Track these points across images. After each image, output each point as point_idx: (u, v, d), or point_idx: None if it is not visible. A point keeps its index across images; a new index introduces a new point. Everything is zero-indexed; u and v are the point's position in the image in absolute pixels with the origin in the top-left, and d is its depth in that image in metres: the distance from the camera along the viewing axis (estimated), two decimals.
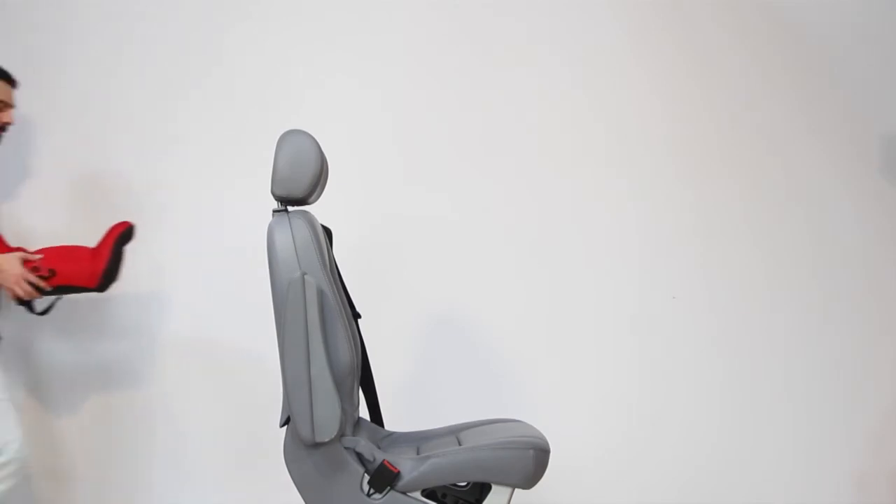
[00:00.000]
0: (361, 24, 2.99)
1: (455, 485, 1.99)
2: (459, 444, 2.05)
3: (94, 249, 2.45)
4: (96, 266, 2.40)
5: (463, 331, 2.98)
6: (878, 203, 3.07)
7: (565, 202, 3.02)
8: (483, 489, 1.98)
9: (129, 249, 2.51)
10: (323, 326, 1.87)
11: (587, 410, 2.99)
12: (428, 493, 1.96)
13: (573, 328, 2.99)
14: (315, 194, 2.02)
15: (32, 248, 2.45)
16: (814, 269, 3.06)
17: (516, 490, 1.98)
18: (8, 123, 2.50)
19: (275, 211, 1.98)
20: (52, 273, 2.34)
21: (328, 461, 1.93)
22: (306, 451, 1.93)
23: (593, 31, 3.04)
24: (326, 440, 1.87)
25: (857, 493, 3.03)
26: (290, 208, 2.00)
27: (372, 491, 1.92)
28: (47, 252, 2.42)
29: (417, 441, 2.16)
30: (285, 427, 2.01)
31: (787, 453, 3.03)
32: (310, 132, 1.99)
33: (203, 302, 2.92)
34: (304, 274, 1.87)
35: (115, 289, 2.51)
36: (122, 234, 2.47)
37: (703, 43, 3.07)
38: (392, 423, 2.36)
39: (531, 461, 1.95)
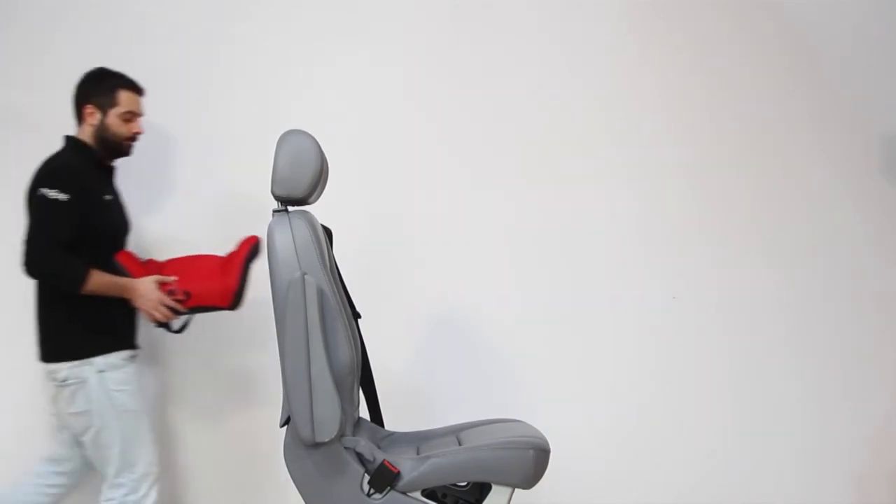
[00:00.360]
0: (362, 24, 2.99)
1: (455, 485, 1.99)
2: (459, 444, 2.05)
3: (222, 263, 2.38)
4: (228, 284, 2.33)
5: (463, 331, 2.98)
6: (878, 203, 3.07)
7: (565, 202, 3.02)
8: (483, 489, 1.98)
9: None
10: (323, 326, 1.87)
11: (587, 410, 2.99)
12: (428, 493, 1.96)
13: (573, 328, 2.99)
14: (315, 194, 2.02)
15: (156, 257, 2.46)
16: (814, 270, 3.06)
17: (516, 490, 1.99)
18: (138, 133, 2.49)
19: (275, 211, 1.99)
20: (188, 295, 2.31)
21: (328, 461, 1.93)
22: (306, 451, 1.93)
23: (594, 31, 3.04)
24: (326, 440, 1.87)
25: (858, 493, 3.03)
26: (290, 208, 2.00)
27: (372, 491, 1.92)
28: (178, 267, 2.37)
29: (417, 441, 2.16)
30: (286, 427, 2.01)
31: (787, 453, 3.03)
32: (310, 132, 1.99)
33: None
34: (304, 274, 1.87)
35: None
36: (252, 249, 2.39)
37: (704, 43, 3.07)
38: (392, 423, 2.36)
39: (531, 461, 1.95)
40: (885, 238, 3.07)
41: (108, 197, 2.41)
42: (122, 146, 2.46)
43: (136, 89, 2.48)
